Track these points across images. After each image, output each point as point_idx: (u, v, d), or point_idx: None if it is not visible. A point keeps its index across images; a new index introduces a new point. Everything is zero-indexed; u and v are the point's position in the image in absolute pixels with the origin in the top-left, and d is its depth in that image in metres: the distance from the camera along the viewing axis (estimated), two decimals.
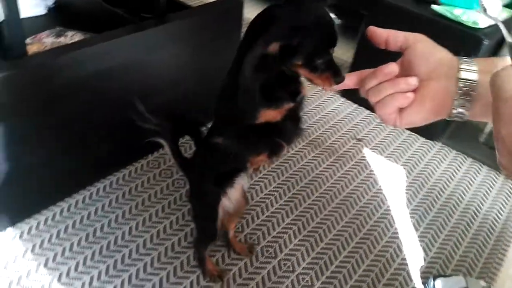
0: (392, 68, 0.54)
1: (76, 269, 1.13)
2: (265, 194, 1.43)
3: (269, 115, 0.80)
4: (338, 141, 1.70)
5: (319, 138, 1.70)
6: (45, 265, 1.13)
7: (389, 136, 1.77)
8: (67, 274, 1.12)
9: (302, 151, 1.62)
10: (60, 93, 1.11)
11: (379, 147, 1.71)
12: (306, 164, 1.58)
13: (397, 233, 1.37)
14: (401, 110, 0.54)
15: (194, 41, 1.41)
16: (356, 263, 1.26)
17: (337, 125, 1.79)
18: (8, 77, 1.00)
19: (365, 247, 1.31)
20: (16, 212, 1.20)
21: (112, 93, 1.24)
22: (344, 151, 1.66)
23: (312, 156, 1.61)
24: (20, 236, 1.18)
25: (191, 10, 1.48)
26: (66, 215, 1.25)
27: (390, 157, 1.67)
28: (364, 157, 1.65)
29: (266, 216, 1.35)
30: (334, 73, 0.68)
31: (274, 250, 1.26)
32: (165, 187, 1.39)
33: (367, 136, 1.75)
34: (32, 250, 1.15)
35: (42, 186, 1.21)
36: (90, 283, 1.11)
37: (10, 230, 1.19)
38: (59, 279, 1.10)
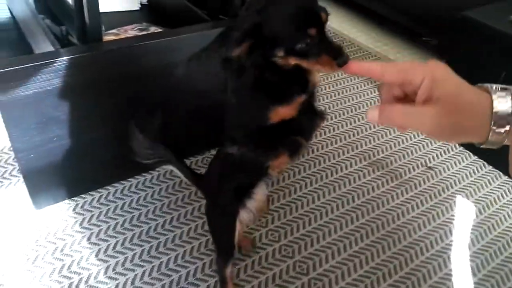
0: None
1: (114, 248, 1.19)
2: (311, 208, 1.38)
3: (282, 113, 0.75)
4: (405, 166, 1.58)
5: (384, 160, 1.60)
6: (88, 239, 1.21)
7: (466, 169, 1.60)
8: (105, 251, 1.19)
9: (361, 170, 1.54)
10: (129, 77, 1.19)
11: (451, 179, 1.56)
12: (364, 184, 1.49)
13: (450, 275, 1.23)
14: None
15: None
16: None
17: (407, 149, 1.66)
18: (83, 58, 1.10)
19: (409, 283, 1.20)
20: (74, 186, 1.30)
21: (176, 85, 1.28)
22: (410, 177, 1.54)
23: (372, 177, 1.52)
24: (74, 209, 1.28)
25: None
26: (119, 196, 1.33)
27: (462, 191, 1.51)
28: (432, 186, 1.51)
29: (307, 231, 1.31)
30: (334, 54, 0.63)
31: (307, 267, 1.21)
32: None
33: (439, 166, 1.61)
34: (81, 224, 1.25)
35: (101, 165, 1.30)
36: (123, 263, 1.16)
37: (66, 201, 1.30)
38: (96, 254, 1.17)
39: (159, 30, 1.58)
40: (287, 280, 1.17)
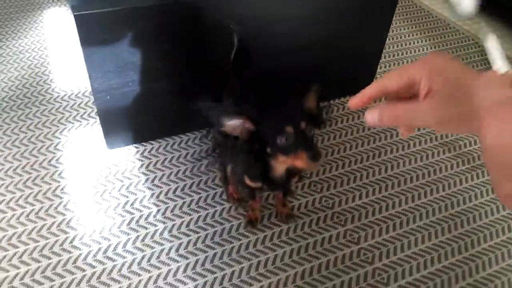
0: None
1: (174, 192, 1.26)
2: (367, 182, 1.34)
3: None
4: (479, 151, 1.48)
5: (456, 142, 1.51)
6: (152, 181, 1.29)
7: None
8: (166, 193, 1.26)
9: (430, 150, 1.47)
10: (201, 31, 1.22)
11: None
12: (433, 163, 1.42)
13: None
14: None
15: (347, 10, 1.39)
16: (450, 279, 1.11)
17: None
18: (157, 8, 1.14)
19: (466, 268, 1.14)
20: (143, 132, 1.38)
21: (254, 41, 1.29)
22: (483, 163, 1.44)
23: (441, 157, 1.44)
24: (142, 153, 1.36)
25: None
26: (183, 146, 1.39)
27: None
28: None
29: (363, 202, 1.28)
30: (307, 149, 0.78)
31: (358, 237, 1.19)
32: None
33: None
34: (147, 167, 1.33)
35: (168, 115, 1.37)
36: (181, 207, 1.22)
37: (135, 145, 1.38)
38: (158, 196, 1.25)
39: None
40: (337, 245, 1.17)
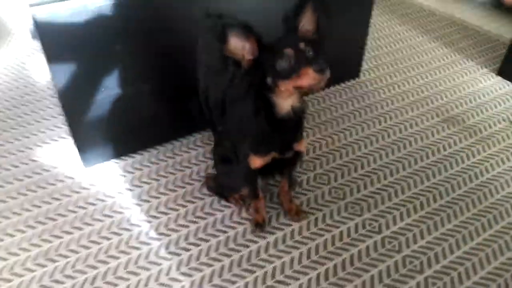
0: None
1: (166, 205, 1.11)
2: (376, 166, 1.23)
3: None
4: (484, 122, 1.40)
5: (459, 116, 1.42)
6: (139, 196, 1.13)
7: None
8: (157, 207, 1.10)
9: (434, 127, 1.37)
10: (165, 29, 1.10)
11: None
12: (437, 141, 1.32)
13: None
14: None
15: None
16: (481, 261, 0.99)
17: (485, 104, 1.47)
18: (118, 4, 1.02)
19: (495, 246, 1.02)
20: (122, 145, 1.23)
21: None
22: (490, 133, 1.35)
23: (446, 134, 1.35)
24: (123, 168, 1.21)
25: None
26: (169, 155, 1.24)
27: None
28: None
29: (376, 188, 1.16)
30: (310, 64, 0.71)
31: (379, 225, 1.06)
32: None
33: None
34: (131, 181, 1.17)
35: (150, 122, 1.22)
36: (176, 219, 1.07)
37: (114, 161, 1.23)
38: (147, 212, 1.09)
39: None
40: (356, 238, 1.03)
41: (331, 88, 1.50)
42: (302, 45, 0.74)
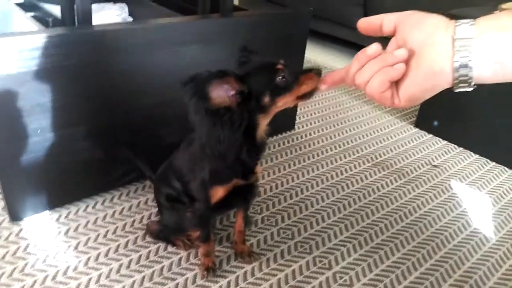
0: (375, 48, 0.49)
1: (106, 255, 1.03)
2: (319, 208, 1.26)
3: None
4: (410, 166, 1.52)
5: (388, 161, 1.53)
6: (76, 248, 1.04)
7: (471, 165, 1.55)
8: (96, 258, 1.02)
9: (366, 171, 1.46)
10: (112, 66, 1.09)
11: (459, 174, 1.49)
12: (370, 183, 1.40)
13: (483, 259, 1.12)
14: (397, 85, 0.49)
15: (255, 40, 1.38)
16: None
17: (408, 151, 1.61)
18: (68, 38, 1.01)
19: (437, 274, 1.07)
20: (57, 195, 1.15)
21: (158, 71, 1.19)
22: (417, 175, 1.47)
23: (377, 177, 1.44)
24: (57, 219, 1.12)
25: (254, 12, 1.47)
26: (108, 204, 1.18)
27: (473, 185, 1.44)
28: (440, 182, 1.44)
29: (321, 227, 1.18)
30: (308, 71, 0.74)
31: (328, 262, 1.07)
32: None
33: (444, 163, 1.55)
34: (66, 233, 1.08)
35: (88, 169, 1.16)
36: (119, 270, 0.99)
37: (47, 212, 1.14)
38: (85, 263, 1.00)
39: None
40: (308, 275, 1.03)
41: (270, 139, 1.56)
42: (282, 61, 0.77)
